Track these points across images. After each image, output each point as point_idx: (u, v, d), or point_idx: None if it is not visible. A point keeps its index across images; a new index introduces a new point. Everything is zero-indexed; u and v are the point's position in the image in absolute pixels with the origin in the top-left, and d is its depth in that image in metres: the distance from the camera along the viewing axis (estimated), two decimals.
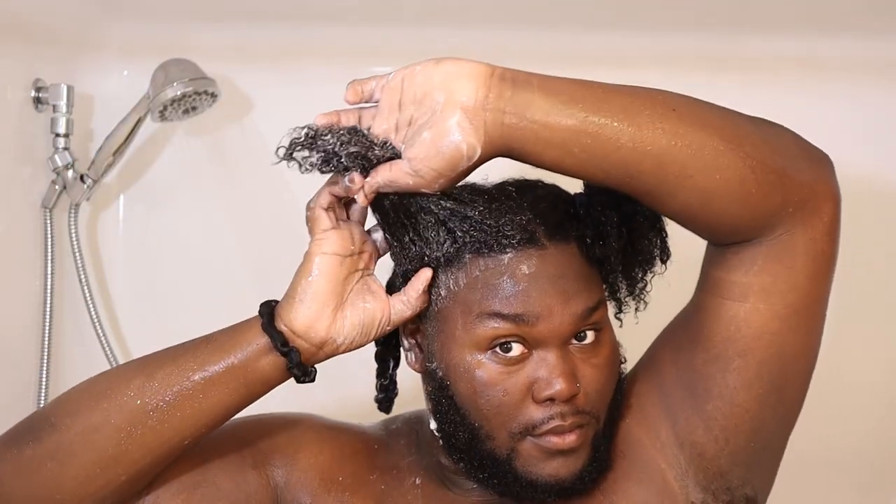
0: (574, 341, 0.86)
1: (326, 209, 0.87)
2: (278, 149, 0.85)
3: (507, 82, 0.80)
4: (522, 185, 0.90)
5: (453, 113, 0.78)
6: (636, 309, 0.92)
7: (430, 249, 0.86)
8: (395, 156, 0.83)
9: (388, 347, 0.98)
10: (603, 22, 1.48)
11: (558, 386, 0.84)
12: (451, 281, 0.87)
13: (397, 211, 0.85)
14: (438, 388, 0.89)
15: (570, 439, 0.85)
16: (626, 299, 0.91)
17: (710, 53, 1.51)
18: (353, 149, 0.83)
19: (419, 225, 0.85)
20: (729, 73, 1.54)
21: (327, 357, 0.87)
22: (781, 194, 0.81)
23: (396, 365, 0.98)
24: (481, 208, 0.84)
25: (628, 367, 0.95)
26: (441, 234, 0.85)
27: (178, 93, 1.38)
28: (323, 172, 0.85)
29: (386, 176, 0.83)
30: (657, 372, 0.92)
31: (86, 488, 0.85)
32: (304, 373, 0.86)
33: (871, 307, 1.52)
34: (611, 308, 0.91)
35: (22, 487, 0.85)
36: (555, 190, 0.91)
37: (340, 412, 1.05)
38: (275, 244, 1.58)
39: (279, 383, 0.88)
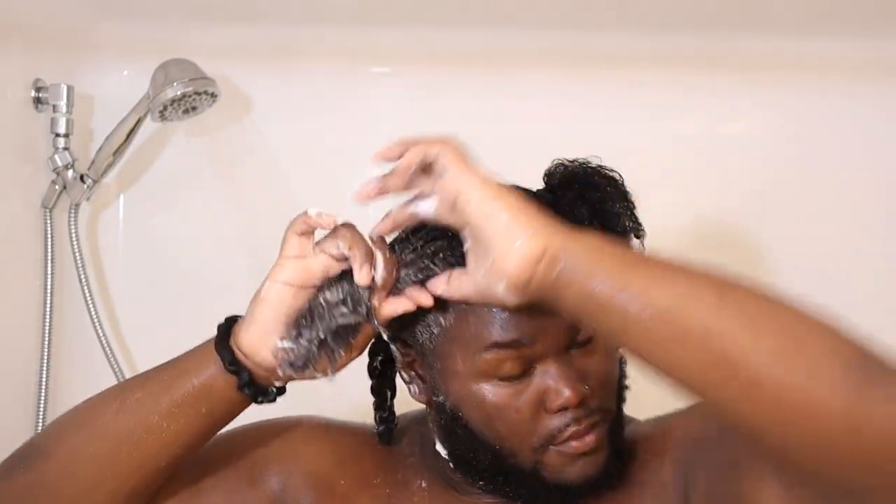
0: (572, 341, 0.86)
1: (300, 235, 0.85)
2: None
3: (550, 270, 0.76)
4: None
5: (499, 281, 0.77)
6: None
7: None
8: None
9: (383, 380, 0.96)
10: (603, 22, 1.48)
11: (567, 394, 0.83)
12: (441, 317, 0.85)
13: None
14: (451, 420, 0.88)
15: (589, 439, 0.85)
16: None
17: (710, 53, 1.51)
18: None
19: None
20: (729, 73, 1.54)
21: (290, 380, 0.85)
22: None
23: (394, 395, 0.97)
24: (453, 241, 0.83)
25: None
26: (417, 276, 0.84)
27: (178, 93, 1.38)
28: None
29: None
30: (701, 437, 0.89)
31: None
32: (261, 392, 0.84)
33: (871, 307, 1.52)
34: None
35: None
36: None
37: (340, 410, 1.04)
38: (275, 244, 1.57)
39: (244, 404, 0.86)
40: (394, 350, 0.91)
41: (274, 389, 0.85)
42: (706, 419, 0.90)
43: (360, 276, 0.81)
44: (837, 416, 0.65)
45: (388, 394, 0.96)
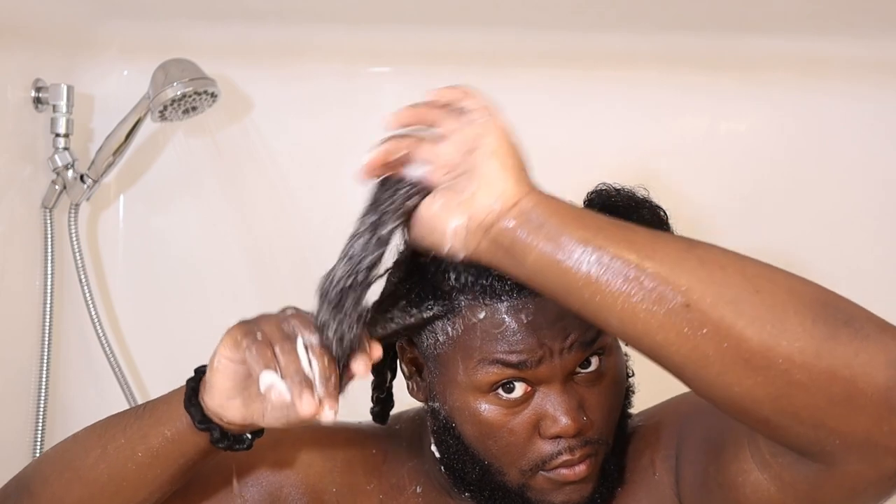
0: (579, 369, 0.84)
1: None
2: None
3: (519, 220, 0.71)
4: None
5: (460, 216, 0.72)
6: None
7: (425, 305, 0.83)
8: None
9: (385, 359, 0.93)
10: (603, 22, 1.48)
11: (564, 422, 0.82)
12: (449, 327, 0.84)
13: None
14: (443, 428, 0.88)
15: (580, 470, 0.84)
16: None
17: (710, 53, 1.51)
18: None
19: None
20: (729, 73, 1.54)
21: (262, 431, 0.82)
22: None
23: (394, 377, 0.96)
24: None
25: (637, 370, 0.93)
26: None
27: (178, 93, 1.38)
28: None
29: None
30: (688, 426, 0.89)
31: None
32: (236, 441, 0.81)
33: (871, 306, 1.52)
34: None
35: None
36: None
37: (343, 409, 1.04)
38: (274, 244, 1.58)
39: (220, 451, 0.82)
40: (397, 343, 0.90)
41: (249, 436, 0.82)
42: (689, 411, 0.90)
43: (304, 409, 0.73)
44: (808, 361, 0.65)
45: (388, 375, 0.95)
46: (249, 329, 0.77)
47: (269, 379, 0.74)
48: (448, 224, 0.73)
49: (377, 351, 0.78)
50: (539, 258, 0.70)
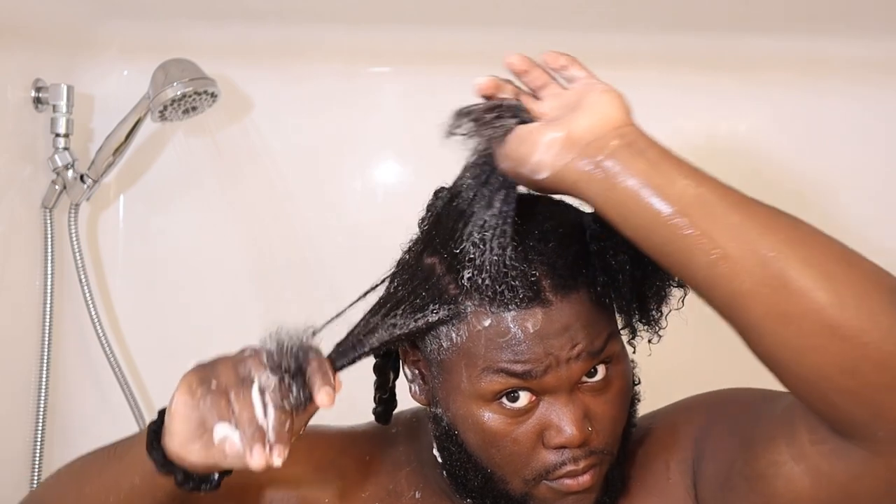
0: (585, 378, 0.82)
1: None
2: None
3: (621, 141, 0.73)
4: (527, 214, 0.82)
5: (558, 130, 0.74)
6: (649, 341, 0.87)
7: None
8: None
9: (387, 360, 0.93)
10: (603, 22, 1.48)
11: (569, 433, 0.81)
12: (454, 332, 0.82)
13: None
14: (446, 435, 0.87)
15: (584, 480, 0.83)
16: (641, 329, 0.87)
17: (710, 53, 1.51)
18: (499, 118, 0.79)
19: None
20: (729, 73, 1.54)
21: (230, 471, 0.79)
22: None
23: (396, 376, 0.94)
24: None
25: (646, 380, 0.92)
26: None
27: (178, 93, 1.38)
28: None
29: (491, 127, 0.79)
30: (709, 426, 0.88)
31: None
32: (202, 482, 0.78)
33: None
34: (624, 334, 0.87)
35: None
36: (562, 217, 0.85)
37: (340, 407, 1.04)
38: (274, 244, 1.58)
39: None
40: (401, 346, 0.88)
41: (216, 477, 0.79)
42: (709, 409, 0.89)
43: (254, 462, 0.73)
44: (885, 339, 0.66)
45: (391, 375, 0.94)
46: (205, 376, 0.75)
47: (222, 431, 0.74)
48: (543, 135, 0.74)
49: (338, 385, 0.77)
50: (636, 180, 0.71)
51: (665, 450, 0.91)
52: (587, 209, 0.81)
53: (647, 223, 0.72)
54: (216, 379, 0.75)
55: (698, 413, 0.90)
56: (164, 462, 0.77)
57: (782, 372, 0.71)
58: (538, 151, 0.75)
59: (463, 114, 0.80)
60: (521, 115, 0.78)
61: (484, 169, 0.81)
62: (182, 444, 0.75)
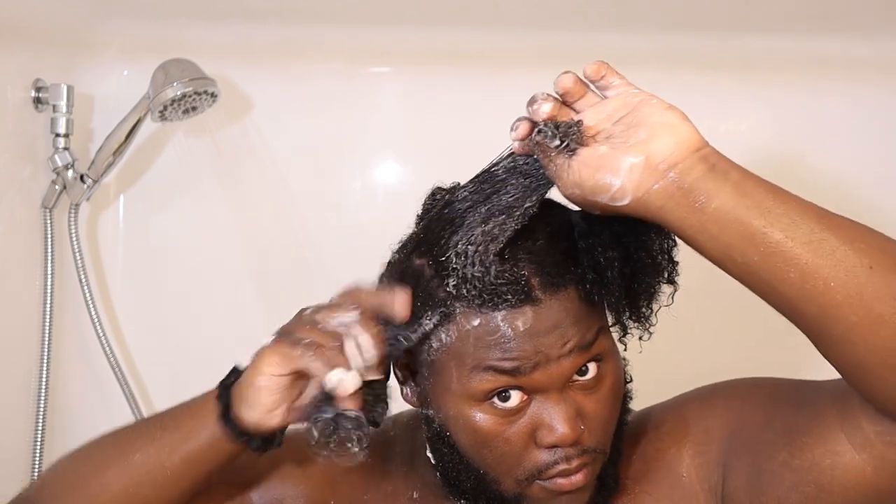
0: (576, 376, 0.82)
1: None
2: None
3: (705, 164, 0.74)
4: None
5: (637, 155, 0.73)
6: (640, 338, 0.87)
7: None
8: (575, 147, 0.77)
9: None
10: (603, 22, 1.48)
11: (561, 431, 0.81)
12: (443, 333, 0.82)
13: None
14: (438, 436, 0.87)
15: (576, 479, 0.83)
16: (632, 327, 0.86)
17: (710, 53, 1.51)
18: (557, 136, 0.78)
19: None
20: (729, 73, 1.54)
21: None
22: None
23: (387, 378, 0.93)
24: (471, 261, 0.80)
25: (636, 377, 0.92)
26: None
27: (178, 93, 1.38)
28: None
29: (552, 156, 0.78)
30: (739, 417, 0.88)
31: None
32: (269, 443, 0.83)
33: None
34: (615, 332, 0.87)
35: None
36: (550, 215, 0.84)
37: None
38: (275, 244, 1.58)
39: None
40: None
41: (282, 435, 0.84)
42: (728, 400, 0.89)
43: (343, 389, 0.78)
44: None
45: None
46: (294, 340, 0.80)
47: (337, 376, 0.78)
48: (622, 161, 0.74)
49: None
50: (725, 203, 0.72)
51: (676, 444, 0.90)
52: (574, 207, 0.81)
53: (737, 244, 0.72)
54: (307, 339, 0.79)
55: (713, 405, 0.90)
56: (241, 431, 0.81)
57: (865, 376, 0.73)
58: (620, 176, 0.73)
59: (535, 143, 0.79)
60: (571, 136, 0.77)
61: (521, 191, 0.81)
62: (263, 414, 0.80)
